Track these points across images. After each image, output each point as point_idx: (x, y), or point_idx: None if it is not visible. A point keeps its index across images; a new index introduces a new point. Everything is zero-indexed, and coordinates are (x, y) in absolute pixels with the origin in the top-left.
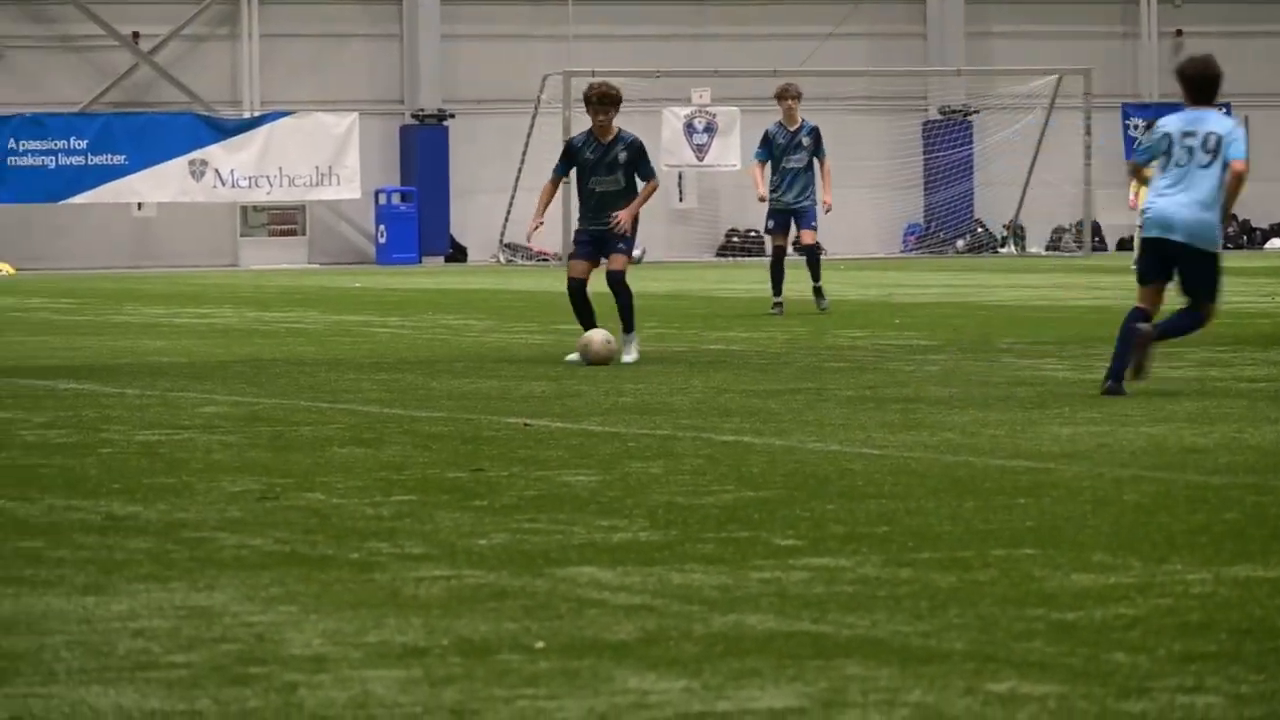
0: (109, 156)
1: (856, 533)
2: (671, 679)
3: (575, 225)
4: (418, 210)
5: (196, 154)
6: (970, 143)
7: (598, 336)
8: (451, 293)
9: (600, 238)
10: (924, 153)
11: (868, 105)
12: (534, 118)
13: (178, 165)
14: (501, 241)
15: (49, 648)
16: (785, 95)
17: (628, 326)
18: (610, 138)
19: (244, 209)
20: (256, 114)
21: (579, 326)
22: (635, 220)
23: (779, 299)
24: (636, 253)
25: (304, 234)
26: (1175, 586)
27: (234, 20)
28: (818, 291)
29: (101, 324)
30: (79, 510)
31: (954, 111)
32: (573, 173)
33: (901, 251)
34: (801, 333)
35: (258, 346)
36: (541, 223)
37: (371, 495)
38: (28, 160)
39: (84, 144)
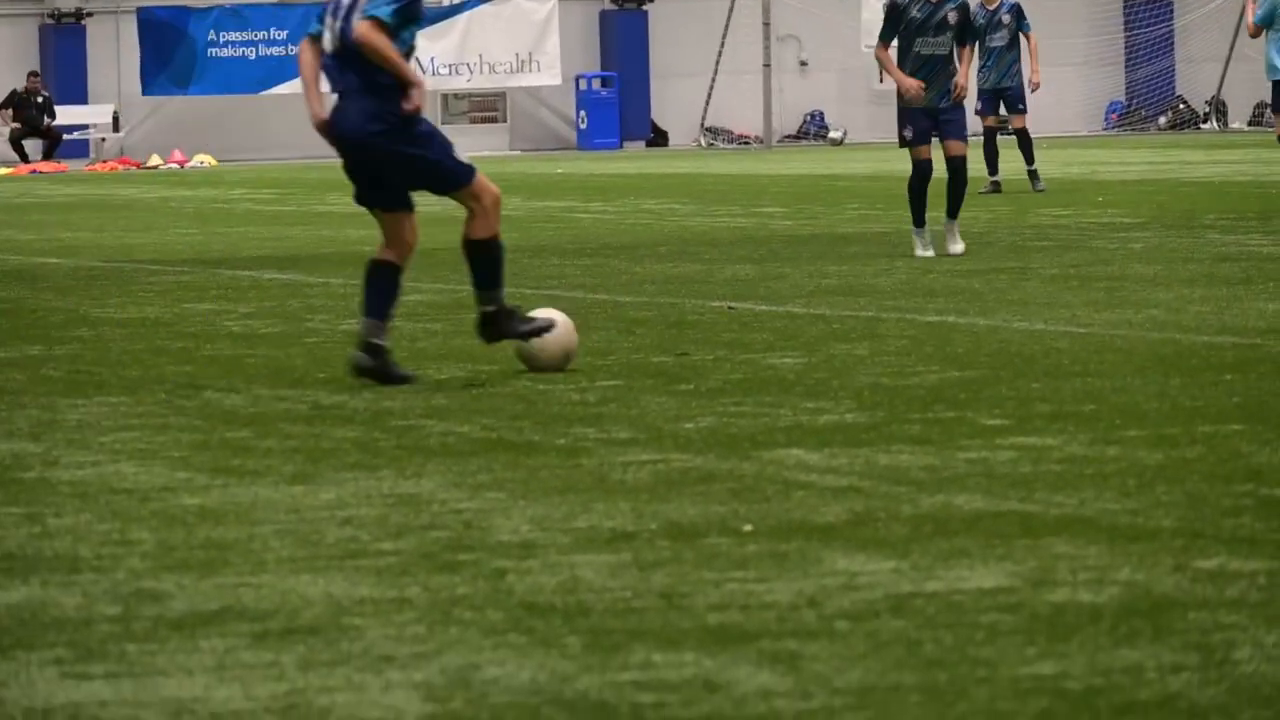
0: None
1: (1063, 411)
2: (880, 560)
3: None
4: (618, 95)
5: None
6: (1171, 19)
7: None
8: (653, 177)
9: (934, 112)
10: (1125, 30)
11: None
12: (733, 2)
13: None
14: (703, 125)
15: (258, 537)
16: None
17: (955, 212)
18: None
19: (445, 96)
20: (456, 1)
21: (912, 218)
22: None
23: (995, 178)
24: (835, 134)
25: (505, 120)
26: None
27: None
28: (1032, 175)
29: (304, 214)
30: (285, 400)
31: None
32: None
33: (1103, 129)
34: (1004, 212)
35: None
36: (920, 84)
37: (577, 380)
38: (228, 51)
39: (284, 34)
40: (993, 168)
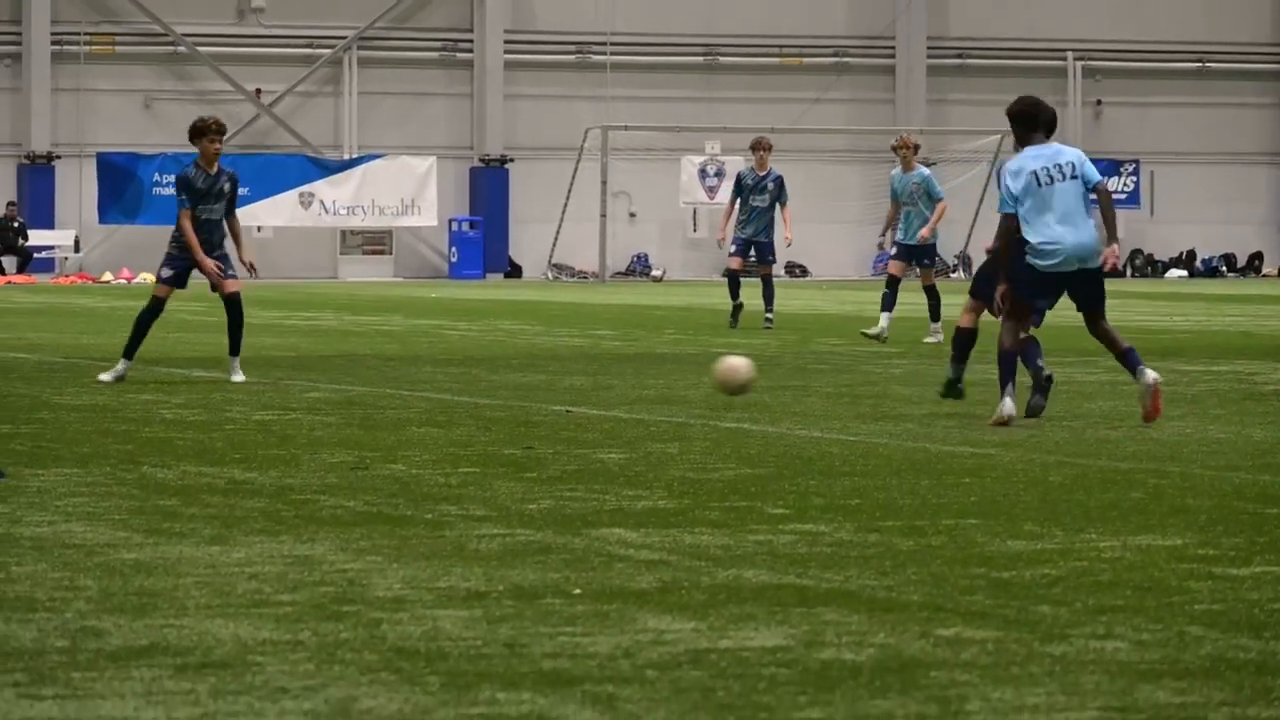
0: None
1: (834, 504)
2: (683, 621)
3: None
4: (483, 235)
5: (305, 188)
6: None
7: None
8: (509, 303)
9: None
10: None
11: (847, 157)
12: (578, 162)
13: (290, 197)
14: (550, 261)
15: (181, 587)
16: (758, 146)
17: (236, 349)
18: (217, 169)
19: (343, 233)
20: (354, 156)
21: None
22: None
23: (739, 301)
24: (657, 273)
25: (391, 253)
26: (1090, 552)
27: (337, 80)
28: (768, 319)
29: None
30: (207, 475)
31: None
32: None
33: (872, 274)
34: (790, 340)
35: (352, 344)
36: (206, 259)
37: (443, 467)
38: (168, 191)
39: None
40: (735, 295)
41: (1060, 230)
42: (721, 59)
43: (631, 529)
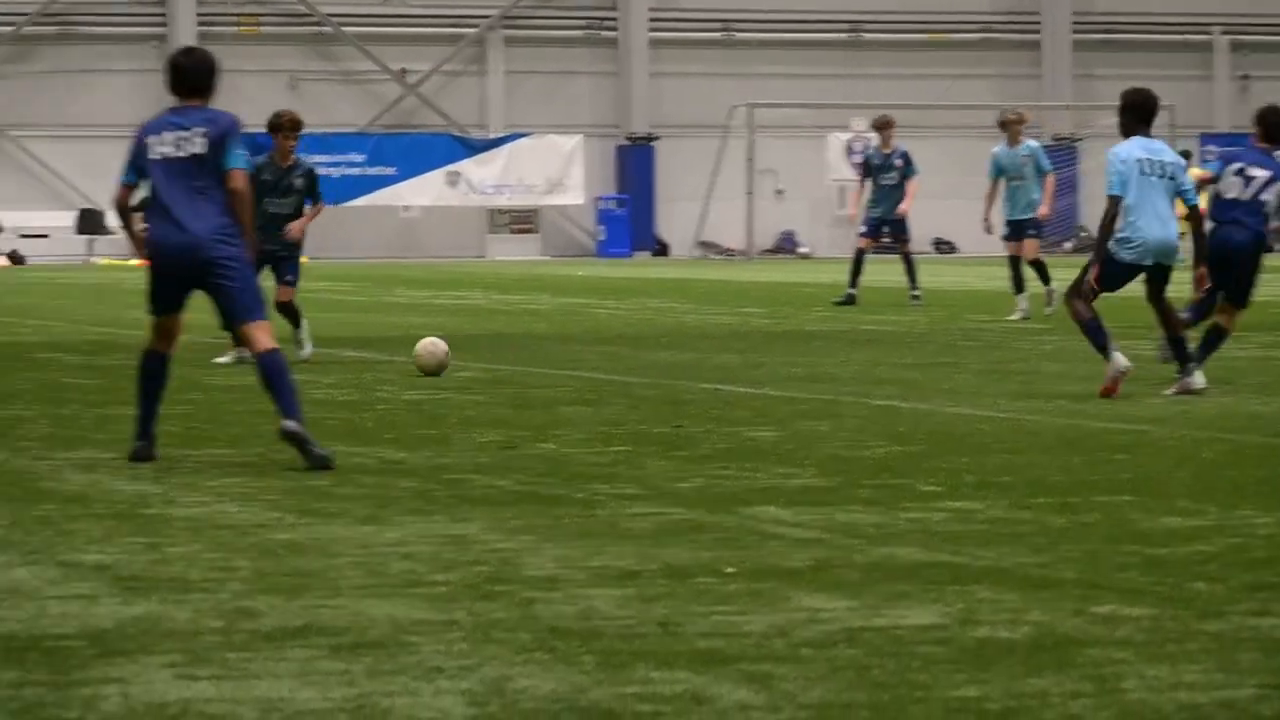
0: (381, 168)
1: (986, 481)
2: (837, 599)
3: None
4: (630, 213)
5: (452, 167)
6: (1076, 163)
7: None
8: (657, 281)
9: (271, 256)
10: None
11: (994, 133)
12: (724, 140)
13: (437, 176)
14: (697, 239)
15: (334, 567)
16: (881, 126)
17: (296, 324)
18: (290, 163)
19: (490, 211)
20: (501, 135)
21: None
22: (301, 238)
23: (853, 290)
24: (805, 250)
25: (538, 232)
26: (1245, 528)
27: (483, 59)
28: (914, 296)
29: (375, 304)
30: (358, 455)
31: (1063, 138)
32: None
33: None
34: (939, 316)
35: (501, 323)
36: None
37: (594, 446)
38: (317, 171)
39: (361, 158)
40: (854, 281)
41: (1146, 225)
42: (866, 35)
43: (784, 507)
